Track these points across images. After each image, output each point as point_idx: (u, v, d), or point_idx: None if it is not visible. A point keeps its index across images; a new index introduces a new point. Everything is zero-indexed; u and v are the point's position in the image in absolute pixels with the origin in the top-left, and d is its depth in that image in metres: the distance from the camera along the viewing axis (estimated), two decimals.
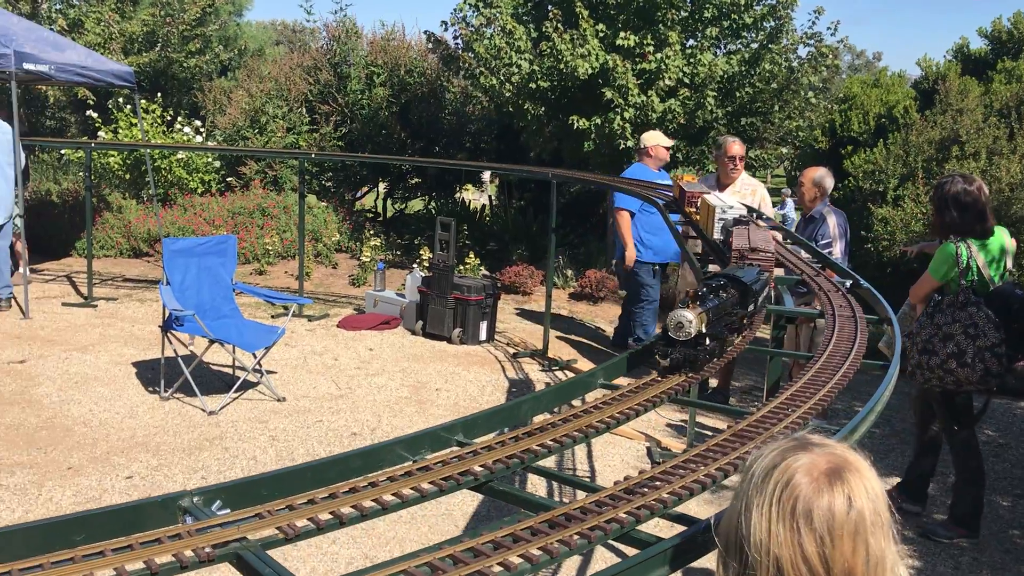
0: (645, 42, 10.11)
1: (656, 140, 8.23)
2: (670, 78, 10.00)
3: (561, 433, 2.19)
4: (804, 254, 4.63)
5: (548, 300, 8.51)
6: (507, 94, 10.62)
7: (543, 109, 10.67)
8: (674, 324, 2.50)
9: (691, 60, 10.17)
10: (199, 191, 12.88)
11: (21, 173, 8.99)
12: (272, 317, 8.93)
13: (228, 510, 1.78)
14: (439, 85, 14.06)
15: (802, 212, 6.71)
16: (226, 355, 7.21)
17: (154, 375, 6.91)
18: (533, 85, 10.36)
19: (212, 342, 6.58)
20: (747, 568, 1.29)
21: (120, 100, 12.95)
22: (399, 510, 1.85)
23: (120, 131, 12.75)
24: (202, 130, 13.40)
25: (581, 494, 1.88)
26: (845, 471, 1.31)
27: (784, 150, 12.68)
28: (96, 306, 9.28)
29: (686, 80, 10.14)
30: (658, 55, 10.04)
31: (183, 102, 14.19)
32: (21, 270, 8.97)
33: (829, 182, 6.54)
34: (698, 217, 4.61)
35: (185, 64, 13.97)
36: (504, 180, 14.30)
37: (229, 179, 13.26)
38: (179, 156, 12.74)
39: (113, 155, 12.58)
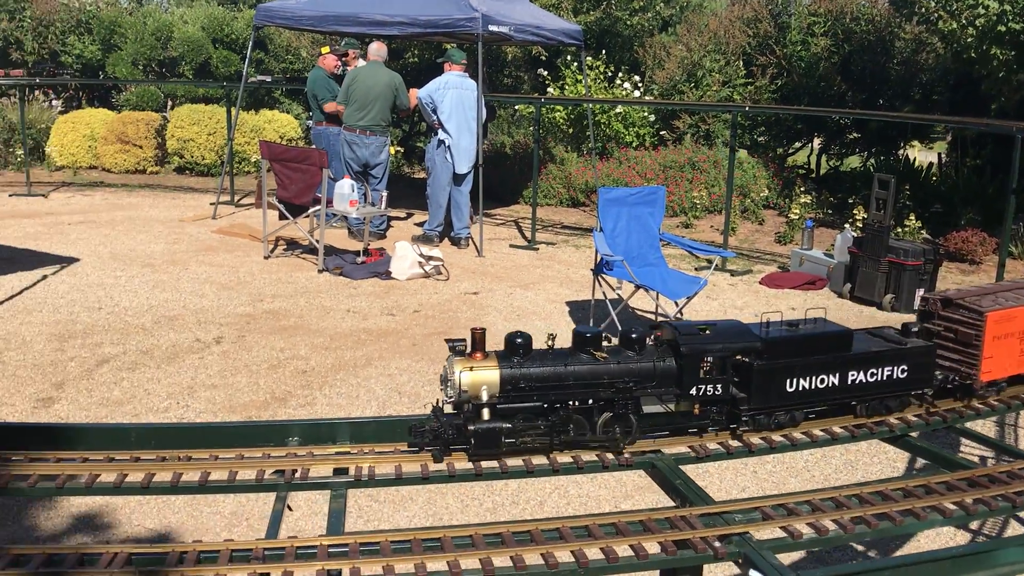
0: None
1: None
2: None
3: (994, 398, 2.04)
4: None
5: (1000, 270, 7.68)
6: (969, 39, 9.60)
7: (1012, 54, 9.48)
8: (442, 375, 1.75)
9: None
10: (634, 145, 13.42)
11: (482, 127, 10.06)
12: (695, 269, 9.12)
13: None
14: (888, 33, 13.09)
15: None
16: (650, 301, 7.52)
17: (584, 314, 7.45)
18: (1002, 28, 9.24)
19: (638, 288, 6.90)
20: None
21: (568, 57, 13.86)
22: (825, 446, 1.87)
23: (566, 87, 13.67)
24: (640, 85, 13.90)
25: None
26: None
27: None
28: (538, 249, 10.16)
29: None
30: None
31: (624, 58, 14.79)
32: (477, 214, 10.11)
33: None
34: None
35: (628, 22, 14.53)
36: (957, 136, 12.99)
37: (662, 132, 13.63)
38: (617, 111, 13.35)
39: (559, 110, 13.55)
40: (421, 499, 4.60)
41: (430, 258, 8.67)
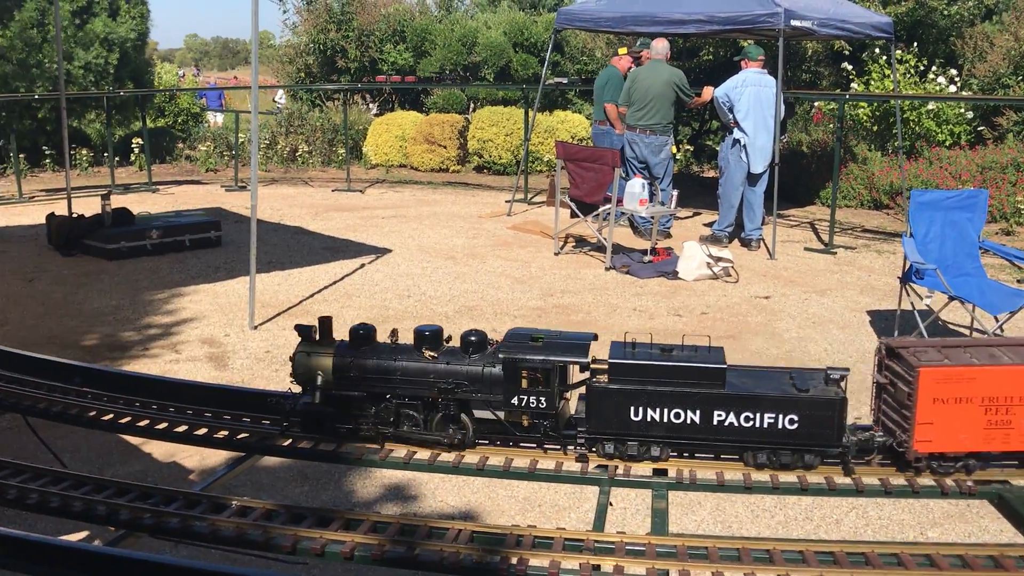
0: None
1: None
2: None
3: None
4: None
5: None
6: None
7: None
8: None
9: None
10: (947, 143, 12.40)
11: (779, 125, 9.72)
12: (1017, 281, 8.28)
13: None
14: None
15: None
16: (964, 315, 6.92)
17: (887, 325, 7.00)
18: None
19: (951, 299, 6.37)
20: None
21: (875, 51, 13.05)
22: None
23: (872, 83, 12.88)
24: (956, 80, 12.80)
25: None
26: None
27: None
28: (835, 253, 9.67)
29: None
30: None
31: (939, 51, 13.68)
32: (770, 215, 9.78)
33: None
34: None
35: (945, 11, 13.42)
36: None
37: (980, 130, 12.48)
38: (929, 107, 12.39)
39: (863, 106, 12.80)
40: (709, 504, 4.54)
41: (719, 259, 8.52)
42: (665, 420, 1.89)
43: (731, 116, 9.51)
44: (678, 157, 10.54)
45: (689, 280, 8.44)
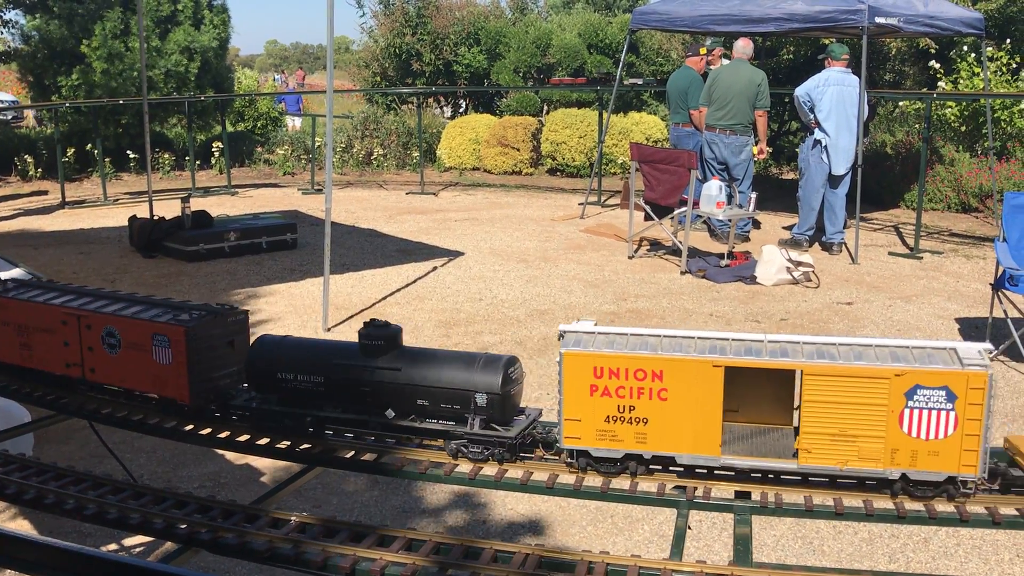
0: None
1: None
2: None
3: None
4: None
5: None
6: None
7: None
8: None
9: None
10: None
11: (863, 126, 9.39)
12: None
13: None
14: None
15: None
16: None
17: (978, 333, 6.70)
18: None
19: None
20: None
21: (964, 49, 12.56)
22: None
23: (960, 81, 12.39)
24: None
25: None
26: None
27: None
28: (921, 258, 9.31)
29: None
30: None
31: None
32: (852, 218, 9.46)
33: None
34: None
35: None
36: None
37: None
38: (1022, 106, 11.86)
39: (950, 106, 12.33)
40: (789, 519, 4.37)
41: (799, 263, 8.27)
42: None
43: (811, 116, 9.24)
44: (757, 158, 10.25)
45: (768, 285, 8.21)
